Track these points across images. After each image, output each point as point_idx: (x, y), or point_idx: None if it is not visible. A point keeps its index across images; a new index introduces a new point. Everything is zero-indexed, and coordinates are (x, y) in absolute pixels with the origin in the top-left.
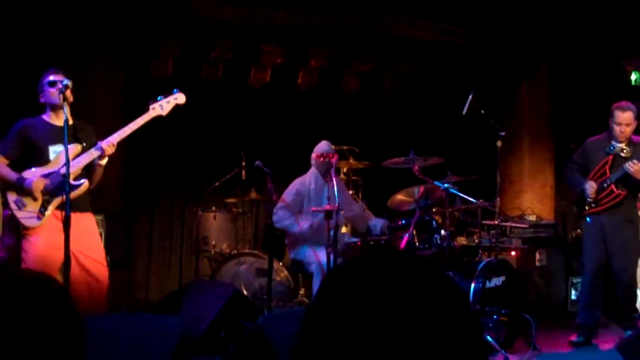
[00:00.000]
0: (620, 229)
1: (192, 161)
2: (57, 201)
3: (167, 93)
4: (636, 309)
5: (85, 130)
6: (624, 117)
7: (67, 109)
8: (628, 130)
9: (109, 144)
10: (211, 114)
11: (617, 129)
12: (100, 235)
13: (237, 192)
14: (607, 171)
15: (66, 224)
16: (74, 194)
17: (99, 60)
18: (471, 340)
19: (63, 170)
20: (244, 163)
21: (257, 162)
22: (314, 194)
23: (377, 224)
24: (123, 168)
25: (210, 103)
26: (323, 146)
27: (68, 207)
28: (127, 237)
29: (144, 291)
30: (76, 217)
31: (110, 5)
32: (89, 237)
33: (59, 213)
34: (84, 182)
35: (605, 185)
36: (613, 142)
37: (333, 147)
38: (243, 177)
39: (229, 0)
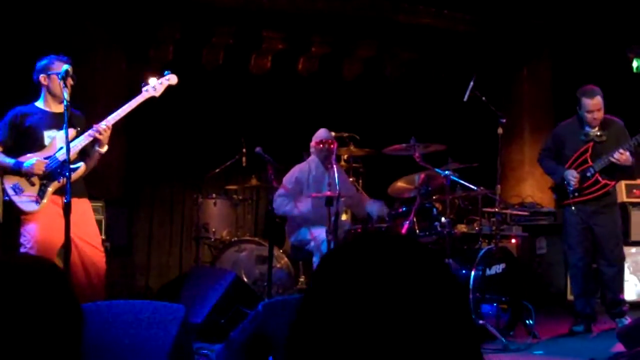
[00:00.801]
0: (606, 214)
1: (192, 148)
2: (54, 185)
3: (159, 75)
4: (624, 299)
5: (79, 116)
6: (594, 104)
7: (67, 94)
8: (599, 114)
9: (104, 126)
10: (212, 100)
11: (588, 116)
12: (101, 221)
13: (238, 178)
14: (589, 159)
15: (67, 210)
16: (71, 177)
17: (99, 47)
18: (466, 327)
19: (60, 156)
20: (244, 150)
21: (257, 149)
22: (314, 180)
23: (374, 206)
24: (124, 154)
25: (211, 89)
26: (322, 133)
27: (69, 193)
28: (127, 224)
29: (144, 278)
30: (73, 203)
31: None
32: (85, 222)
33: (57, 198)
34: (81, 165)
35: (588, 174)
36: (586, 128)
37: (333, 134)
38: (243, 164)
39: None
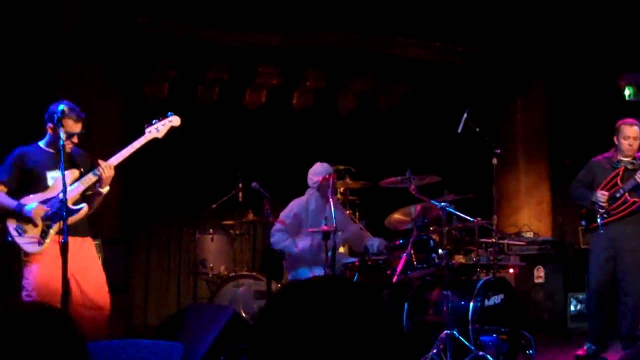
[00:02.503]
0: (632, 239)
1: (189, 184)
2: (57, 226)
3: (162, 116)
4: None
5: (82, 157)
6: (632, 131)
7: (63, 133)
8: (636, 144)
9: (107, 166)
10: (208, 136)
11: (625, 143)
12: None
13: (235, 214)
14: (619, 182)
15: (64, 250)
16: (73, 219)
17: (97, 85)
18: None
19: (62, 196)
20: (241, 185)
21: (254, 184)
22: (314, 215)
23: (375, 243)
24: (120, 192)
25: (207, 125)
26: (326, 168)
27: (66, 234)
28: (125, 262)
29: (142, 315)
30: (76, 242)
31: (106, 29)
32: (89, 262)
33: (59, 239)
34: (84, 207)
35: (618, 195)
36: (620, 158)
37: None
38: (240, 199)
39: (223, 23)
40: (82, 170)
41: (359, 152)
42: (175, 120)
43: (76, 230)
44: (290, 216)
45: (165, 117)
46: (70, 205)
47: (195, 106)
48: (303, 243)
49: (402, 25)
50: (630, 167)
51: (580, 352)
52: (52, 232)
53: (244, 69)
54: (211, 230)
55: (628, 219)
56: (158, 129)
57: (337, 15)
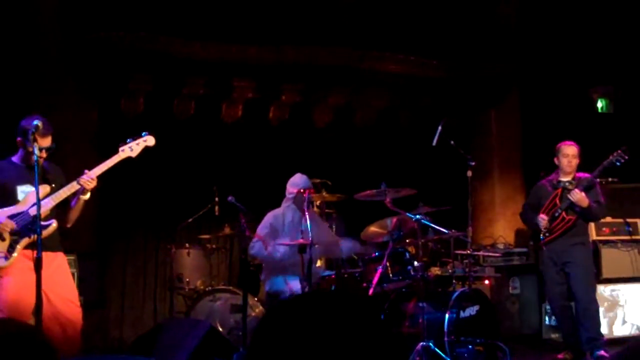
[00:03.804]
0: (573, 251)
1: (164, 198)
2: (25, 241)
3: (137, 135)
4: (600, 332)
5: (55, 171)
6: (570, 149)
7: (37, 149)
8: (574, 162)
9: (87, 178)
10: (183, 150)
11: (564, 160)
12: (73, 275)
13: (211, 228)
14: (557, 202)
15: (37, 265)
16: (42, 234)
17: (71, 99)
18: None
19: (32, 211)
20: (217, 199)
21: (229, 198)
22: (290, 227)
23: (349, 245)
24: (95, 206)
25: (183, 139)
26: (304, 181)
27: (39, 249)
28: (100, 276)
29: (118, 330)
30: (47, 257)
31: (80, 43)
32: (60, 276)
33: (29, 252)
34: (52, 223)
35: (556, 214)
36: (560, 178)
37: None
38: (216, 213)
39: (199, 36)
40: (54, 185)
41: (335, 165)
42: (149, 140)
43: (47, 245)
44: (267, 226)
45: (140, 136)
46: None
47: (171, 120)
48: (282, 250)
49: (377, 39)
50: (568, 186)
51: (559, 356)
52: (19, 246)
53: (219, 83)
54: (187, 245)
55: (567, 234)
56: (132, 148)
57: (312, 29)
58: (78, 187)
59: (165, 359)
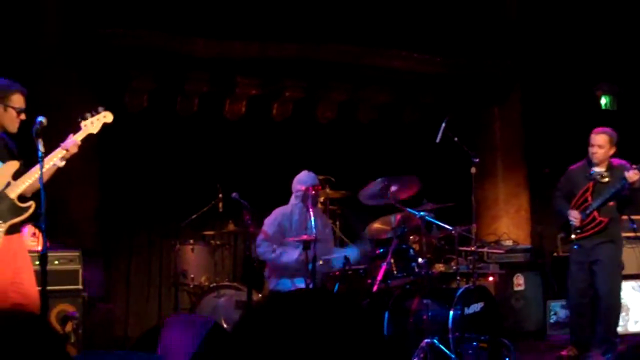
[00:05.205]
0: (602, 249)
1: (169, 195)
2: (7, 225)
3: (94, 111)
4: (617, 334)
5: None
6: (595, 139)
7: (41, 145)
8: (600, 152)
9: (76, 144)
10: (187, 147)
11: (590, 150)
12: (77, 271)
13: (215, 224)
14: (589, 198)
15: (43, 262)
16: (21, 218)
17: (75, 95)
18: None
19: (9, 192)
20: (220, 195)
21: (233, 194)
22: (297, 225)
23: (353, 252)
24: (99, 203)
25: (186, 136)
26: (311, 178)
27: (45, 246)
28: (104, 273)
29: (122, 326)
30: (11, 240)
31: (83, 41)
32: (25, 258)
33: (8, 238)
34: (31, 204)
35: (588, 212)
36: (593, 168)
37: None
38: (220, 210)
39: (201, 33)
40: (22, 161)
41: (338, 161)
42: (107, 116)
43: (16, 227)
44: (274, 225)
45: (97, 111)
46: (17, 201)
47: (175, 117)
48: (289, 255)
49: (380, 35)
50: (600, 179)
51: (562, 353)
52: (1, 232)
53: (222, 79)
54: (191, 241)
55: (598, 234)
56: (93, 123)
57: (315, 25)
58: (64, 152)
59: (170, 356)
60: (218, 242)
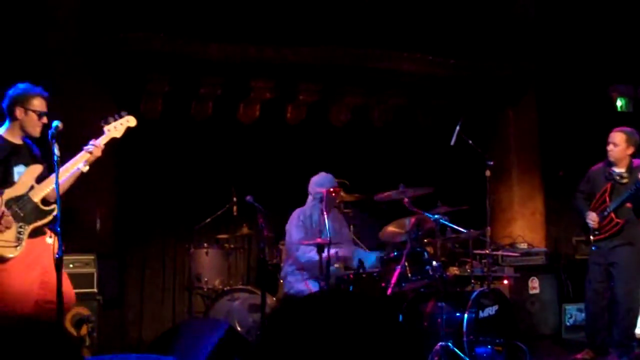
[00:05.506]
0: (620, 252)
1: (183, 198)
2: (30, 228)
3: (118, 115)
4: (634, 337)
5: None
6: (611, 137)
7: (57, 149)
8: (615, 150)
9: (100, 147)
10: (201, 151)
11: (607, 148)
12: (93, 274)
13: (229, 228)
14: (607, 199)
15: (59, 265)
16: (44, 221)
17: (91, 100)
18: None
19: (33, 196)
20: (235, 199)
21: (248, 198)
22: (317, 226)
23: (371, 257)
24: (114, 206)
25: (201, 140)
26: (330, 180)
27: (60, 248)
28: (119, 276)
29: (137, 330)
30: (38, 243)
31: (98, 45)
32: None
33: (32, 241)
34: (54, 208)
35: (605, 213)
36: (613, 169)
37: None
38: (234, 213)
39: (215, 38)
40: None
41: (352, 165)
42: (131, 121)
43: (41, 230)
44: (299, 227)
45: (120, 116)
46: (40, 204)
47: (189, 121)
48: (307, 256)
49: (394, 38)
50: (619, 179)
51: (578, 356)
52: (25, 235)
53: (237, 83)
54: (205, 244)
55: (615, 236)
56: (116, 127)
57: (329, 29)
58: (88, 155)
59: (184, 359)
60: (232, 246)
